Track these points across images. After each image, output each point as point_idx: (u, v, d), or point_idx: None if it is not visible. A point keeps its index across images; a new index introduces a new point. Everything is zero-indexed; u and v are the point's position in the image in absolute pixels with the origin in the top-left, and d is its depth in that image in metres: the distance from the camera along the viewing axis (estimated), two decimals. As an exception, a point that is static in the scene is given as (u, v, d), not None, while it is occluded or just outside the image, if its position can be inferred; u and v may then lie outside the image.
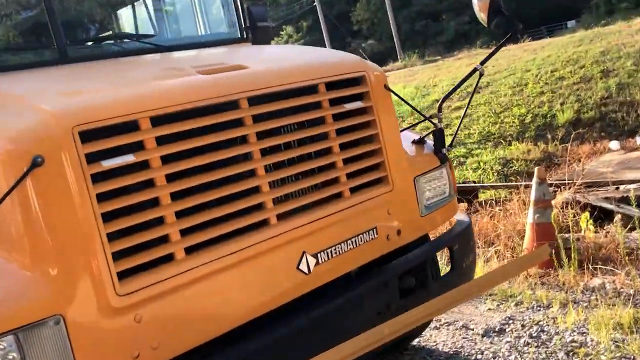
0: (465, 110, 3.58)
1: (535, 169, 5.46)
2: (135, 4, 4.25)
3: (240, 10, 4.26)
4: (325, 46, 35.61)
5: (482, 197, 7.21)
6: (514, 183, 7.31)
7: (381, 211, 2.99)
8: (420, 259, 3.09)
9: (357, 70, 2.96)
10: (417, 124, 3.41)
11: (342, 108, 2.87)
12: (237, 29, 4.21)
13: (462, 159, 11.25)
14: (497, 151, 11.37)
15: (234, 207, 2.44)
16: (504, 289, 4.95)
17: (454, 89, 3.38)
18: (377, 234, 2.95)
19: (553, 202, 5.95)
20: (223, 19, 4.60)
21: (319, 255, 2.69)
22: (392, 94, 3.15)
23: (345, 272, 2.81)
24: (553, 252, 4.89)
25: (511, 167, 10.61)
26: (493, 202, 6.72)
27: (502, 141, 11.80)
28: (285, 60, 2.96)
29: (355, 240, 2.85)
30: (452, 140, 3.42)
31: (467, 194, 6.94)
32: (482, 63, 3.31)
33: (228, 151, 2.44)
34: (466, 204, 6.99)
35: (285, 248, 2.59)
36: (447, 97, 3.38)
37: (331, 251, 2.75)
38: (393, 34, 40.37)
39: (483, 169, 10.59)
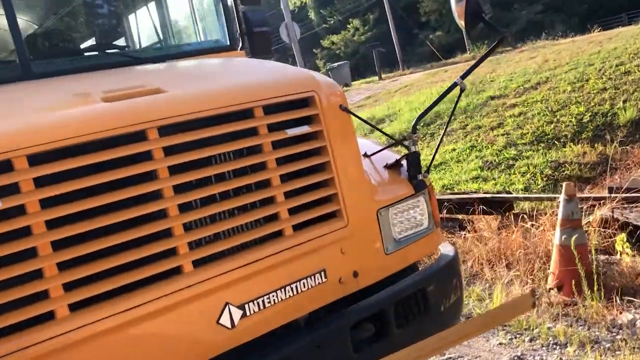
0: (445, 129, 3.12)
1: (564, 185, 4.88)
2: (116, 12, 4.03)
3: (229, 16, 3.95)
4: (392, 39, 34.80)
5: (518, 208, 6.63)
6: (550, 195, 6.67)
7: (332, 251, 2.61)
8: (380, 305, 2.69)
9: (303, 90, 2.58)
10: (388, 146, 2.98)
11: (284, 134, 2.50)
12: (227, 36, 3.90)
13: (511, 162, 10.55)
14: (550, 153, 10.58)
15: (137, 254, 2.13)
16: (521, 319, 4.44)
17: (430, 108, 2.94)
18: (325, 278, 2.57)
19: (590, 218, 5.34)
20: (211, 26, 4.31)
21: (247, 306, 2.35)
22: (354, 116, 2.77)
23: (282, 323, 2.45)
24: (573, 281, 4.35)
25: (563, 171, 9.83)
26: (529, 215, 6.13)
27: (556, 142, 10.97)
28: (218, 80, 2.61)
29: (297, 287, 2.49)
30: (431, 163, 2.99)
31: (499, 205, 6.37)
32: (463, 77, 2.86)
33: (129, 190, 2.13)
34: (499, 218, 6.43)
35: (202, 300, 2.26)
36: (421, 117, 2.94)
37: (264, 301, 2.39)
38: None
39: (532, 173, 9.87)
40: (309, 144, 2.56)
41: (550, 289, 4.84)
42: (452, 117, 13.57)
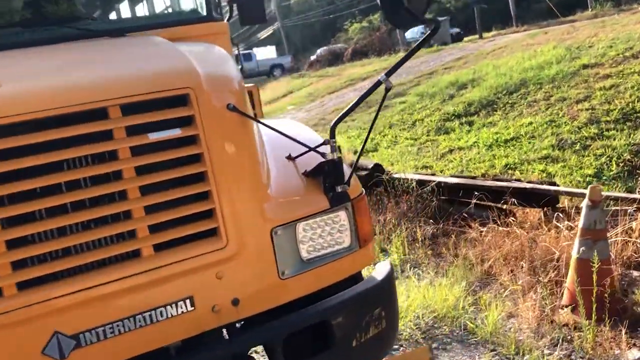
0: (371, 127, 2.59)
1: (589, 188, 4.17)
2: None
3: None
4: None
5: (563, 204, 5.87)
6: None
7: (205, 275, 2.25)
8: (265, 338, 2.32)
9: (175, 87, 2.19)
10: (304, 153, 2.52)
11: (145, 139, 2.14)
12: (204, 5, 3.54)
13: (588, 142, 9.48)
14: (636, 135, 9.40)
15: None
16: (515, 339, 3.89)
17: (351, 109, 2.45)
18: (193, 306, 2.23)
19: (620, 228, 4.59)
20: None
21: (82, 336, 2.06)
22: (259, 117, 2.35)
23: (131, 356, 2.14)
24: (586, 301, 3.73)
25: (645, 156, 8.71)
26: (567, 214, 5.40)
27: (646, 122, 9.74)
28: (75, 72, 2.26)
29: (153, 316, 2.17)
30: (360, 153, 2.53)
31: (540, 198, 5.66)
32: (388, 75, 2.34)
33: None
34: (541, 213, 5.72)
35: (25, 327, 2.00)
36: (340, 120, 2.47)
37: (106, 330, 2.10)
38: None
39: (609, 156, 8.80)
40: (180, 150, 2.19)
41: (562, 306, 4.22)
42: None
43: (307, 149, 2.49)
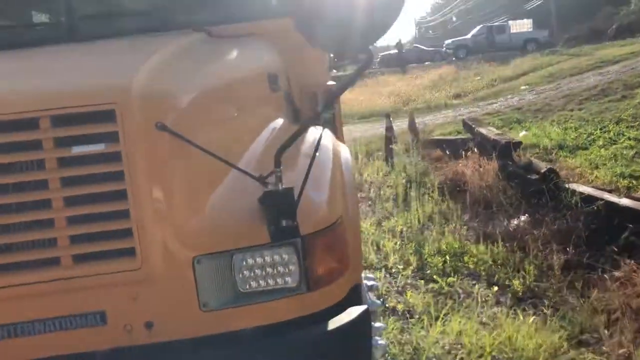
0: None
1: None
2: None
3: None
4: None
5: None
6: None
7: (119, 293, 2.23)
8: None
9: (100, 102, 2.16)
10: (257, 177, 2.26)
11: (68, 152, 2.17)
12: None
13: None
14: None
15: None
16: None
17: (295, 137, 2.16)
18: (105, 322, 2.23)
19: None
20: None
21: (-3, 328, 2.21)
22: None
23: (38, 356, 2.23)
24: None
25: None
26: None
27: None
28: (23, 80, 2.34)
29: (63, 322, 2.22)
30: (303, 184, 2.24)
31: None
32: (322, 110, 2.02)
33: None
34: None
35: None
36: (284, 149, 2.19)
37: (17, 329, 2.21)
38: None
39: None
40: (103, 166, 2.17)
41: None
42: None
43: (256, 178, 2.27)
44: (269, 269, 2.29)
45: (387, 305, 4.82)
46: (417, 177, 9.10)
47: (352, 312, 2.43)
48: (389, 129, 12.71)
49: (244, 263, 2.27)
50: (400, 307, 4.82)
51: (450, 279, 5.27)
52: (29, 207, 2.16)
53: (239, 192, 2.34)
